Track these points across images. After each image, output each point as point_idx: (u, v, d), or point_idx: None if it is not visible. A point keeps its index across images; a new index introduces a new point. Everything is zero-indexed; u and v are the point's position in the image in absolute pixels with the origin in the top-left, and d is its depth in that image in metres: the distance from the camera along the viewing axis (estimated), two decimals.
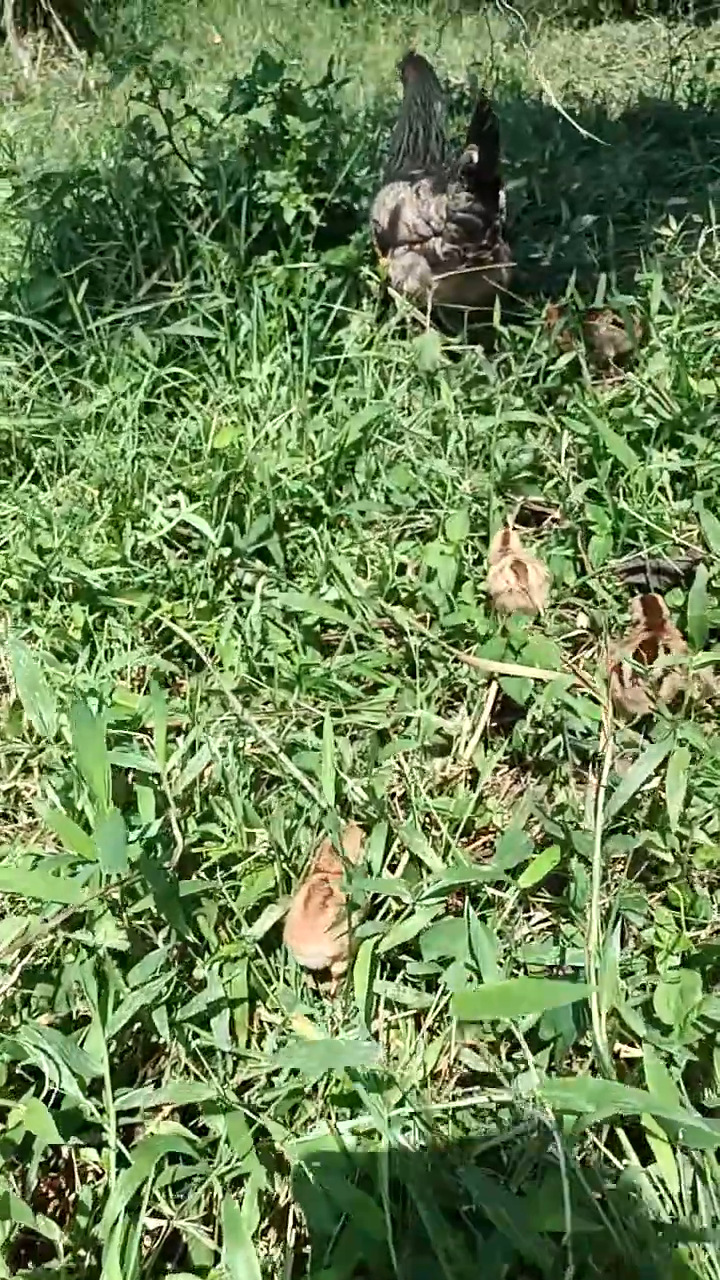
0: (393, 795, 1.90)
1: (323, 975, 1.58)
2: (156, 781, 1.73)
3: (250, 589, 2.52)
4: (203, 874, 1.70)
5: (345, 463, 2.81)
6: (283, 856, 1.68)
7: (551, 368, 3.04)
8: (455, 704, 2.16)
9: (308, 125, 3.27)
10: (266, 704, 2.13)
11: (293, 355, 3.21)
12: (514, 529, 2.36)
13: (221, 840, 1.70)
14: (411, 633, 2.19)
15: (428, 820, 1.80)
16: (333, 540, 2.63)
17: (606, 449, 2.41)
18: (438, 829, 1.79)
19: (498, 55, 9.74)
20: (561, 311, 3.30)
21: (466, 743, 1.94)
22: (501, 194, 3.19)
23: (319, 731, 1.99)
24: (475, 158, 2.96)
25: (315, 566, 2.50)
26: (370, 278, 3.38)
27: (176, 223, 3.42)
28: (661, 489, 2.36)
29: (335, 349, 3.28)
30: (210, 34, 15.03)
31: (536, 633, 2.09)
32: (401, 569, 2.46)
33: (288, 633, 2.39)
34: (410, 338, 3.32)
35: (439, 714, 2.12)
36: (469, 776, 1.94)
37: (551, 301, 3.47)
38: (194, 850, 1.70)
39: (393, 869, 1.75)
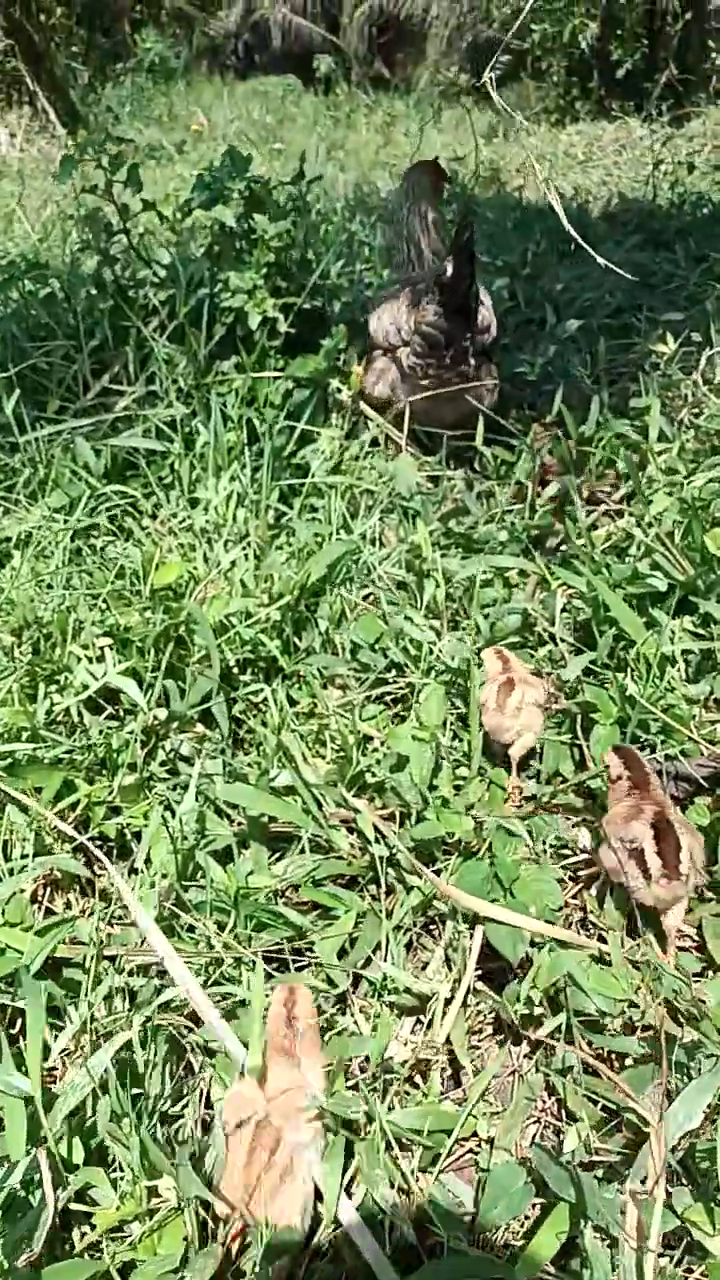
0: (350, 1087, 1.46)
1: None
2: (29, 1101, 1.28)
3: (188, 759, 2.11)
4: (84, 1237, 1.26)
5: (306, 605, 2.42)
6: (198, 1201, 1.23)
7: (539, 502, 2.69)
8: (431, 932, 1.74)
9: (276, 225, 2.95)
10: (192, 932, 1.70)
11: (253, 473, 2.84)
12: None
13: (114, 1187, 1.25)
14: (378, 839, 1.78)
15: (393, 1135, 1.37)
16: (289, 699, 2.23)
17: (607, 612, 2.03)
18: (406, 1149, 1.36)
19: (478, 149, 9.70)
20: (548, 430, 2.98)
21: (443, 1012, 1.51)
22: (484, 312, 2.87)
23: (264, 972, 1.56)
24: (449, 270, 2.70)
25: (266, 737, 2.09)
26: (340, 390, 3.03)
27: (130, 323, 3.06)
28: (671, 661, 1.98)
29: (300, 468, 2.92)
30: (195, 117, 15.07)
31: (529, 863, 1.69)
32: (366, 740, 2.06)
33: (230, 819, 1.98)
34: (385, 457, 2.97)
35: (410, 945, 1.70)
36: (446, 1054, 1.51)
37: (538, 419, 3.15)
38: (73, 1205, 1.25)
39: (351, 1192, 1.32)
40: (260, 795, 1.86)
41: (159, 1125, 1.38)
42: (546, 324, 4.07)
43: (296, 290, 3.09)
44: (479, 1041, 1.58)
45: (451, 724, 2.02)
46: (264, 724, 2.16)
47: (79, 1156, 1.28)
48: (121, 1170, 1.25)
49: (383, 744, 2.03)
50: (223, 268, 3.02)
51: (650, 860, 1.52)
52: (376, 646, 2.25)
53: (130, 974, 1.67)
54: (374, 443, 2.97)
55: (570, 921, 1.65)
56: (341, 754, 2.01)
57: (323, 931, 1.69)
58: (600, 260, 2.62)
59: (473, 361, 2.89)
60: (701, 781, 1.73)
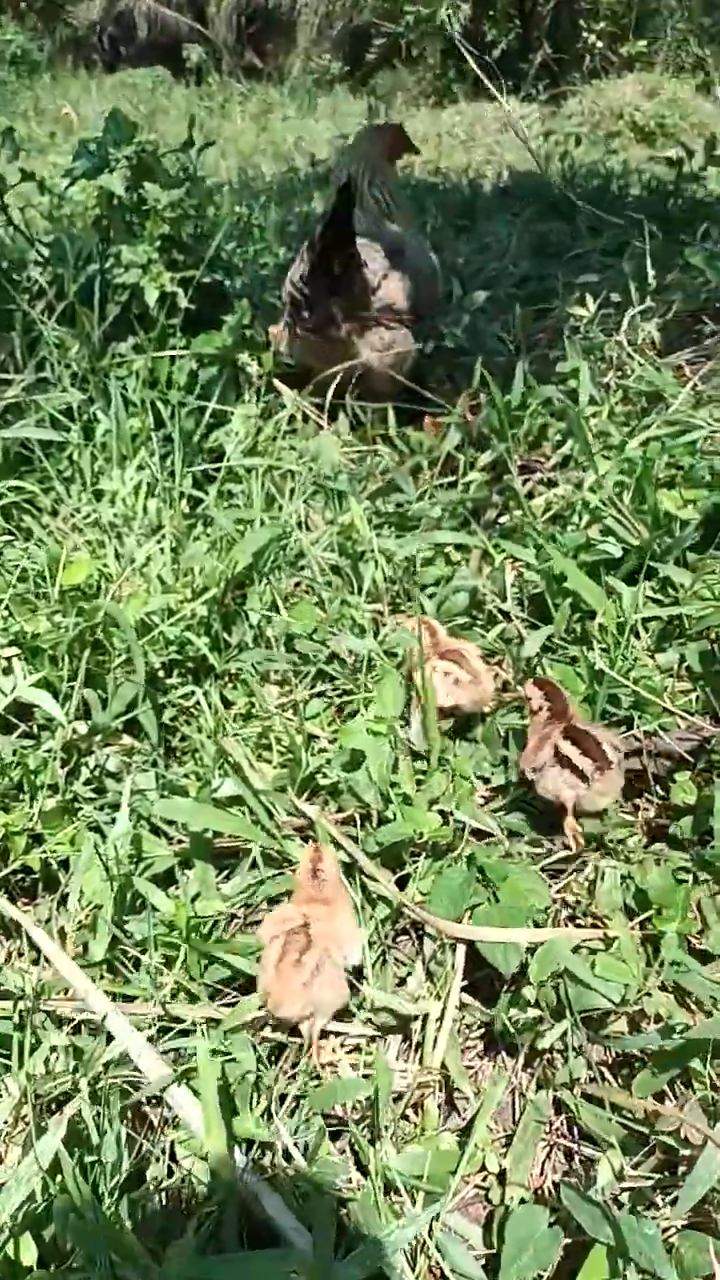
0: (330, 1137, 1.29)
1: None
2: None
3: (116, 775, 1.90)
4: None
5: (234, 597, 2.23)
6: None
7: (473, 473, 2.55)
8: (405, 940, 1.58)
9: (170, 193, 2.73)
10: (137, 969, 1.50)
11: (162, 460, 2.63)
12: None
13: None
14: (337, 847, 1.61)
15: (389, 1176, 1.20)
16: (223, 700, 2.04)
17: (563, 584, 1.90)
18: (399, 1194, 1.20)
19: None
20: (474, 400, 2.85)
21: (435, 1038, 1.35)
22: (370, 276, 2.77)
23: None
24: (319, 233, 2.63)
25: (203, 744, 1.90)
26: (249, 365, 2.84)
27: (15, 306, 2.80)
28: (634, 631, 1.86)
29: (213, 452, 2.72)
30: (63, 109, 14.55)
31: (508, 860, 1.54)
32: (312, 739, 1.89)
33: (169, 838, 1.78)
34: (304, 436, 2.79)
35: (381, 958, 1.54)
36: (440, 1077, 1.35)
37: (457, 390, 3.02)
38: None
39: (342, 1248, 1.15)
40: (202, 809, 1.67)
41: (120, 1201, 1.18)
42: (453, 296, 3.93)
43: (194, 264, 2.88)
44: (470, 1060, 1.43)
45: (406, 715, 1.85)
46: (199, 730, 1.97)
47: (30, 1257, 1.07)
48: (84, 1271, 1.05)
49: (332, 742, 1.86)
50: (113, 242, 2.79)
51: (580, 763, 1.54)
52: (315, 634, 2.08)
53: (72, 1025, 1.47)
54: (290, 420, 2.79)
55: (559, 919, 1.50)
56: (289, 756, 1.83)
57: None
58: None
59: (345, 326, 2.79)
60: (685, 755, 1.61)
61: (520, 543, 2.18)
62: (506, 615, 2.00)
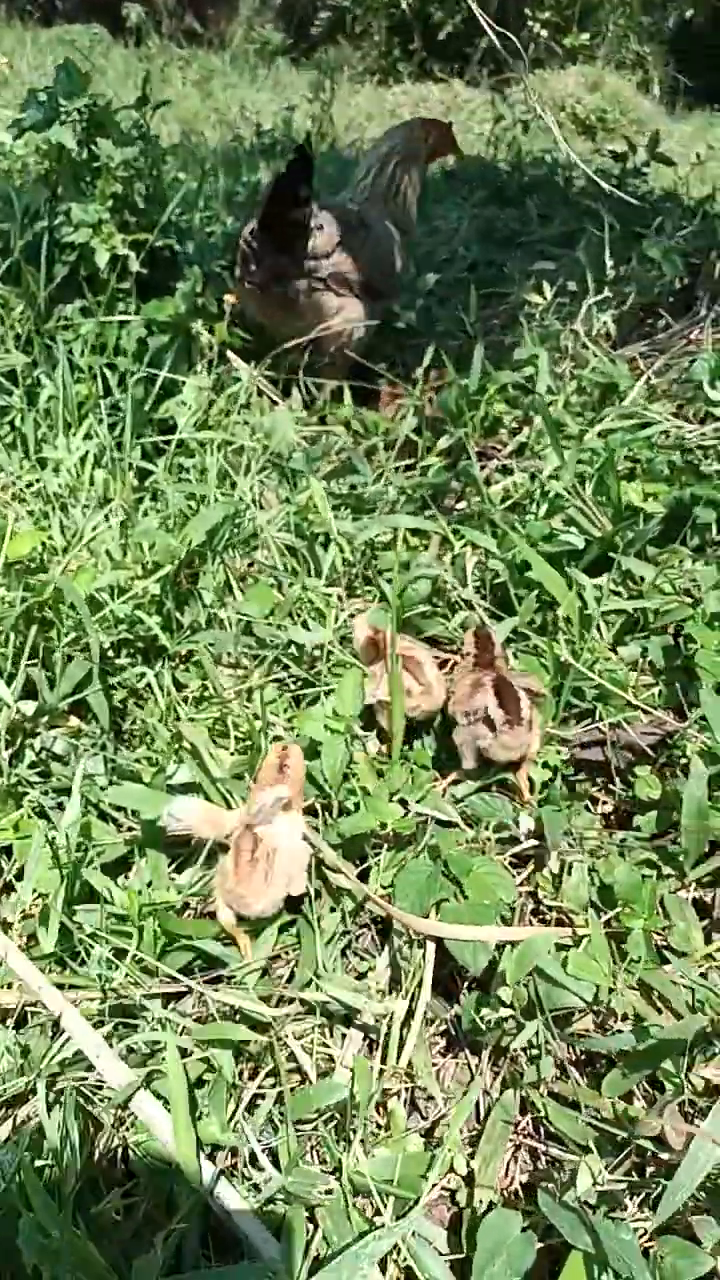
0: (303, 1157, 1.24)
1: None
2: None
3: (62, 759, 1.81)
4: None
5: (187, 576, 2.15)
6: None
7: (430, 457, 2.51)
8: (366, 933, 1.54)
9: (123, 151, 2.60)
10: (89, 958, 1.43)
11: (110, 430, 2.52)
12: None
13: None
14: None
15: (359, 1183, 1.16)
16: (175, 682, 1.96)
17: (526, 574, 1.87)
18: (369, 1197, 1.16)
19: (301, 105, 9.40)
20: (435, 383, 2.80)
21: (401, 1038, 1.32)
22: (320, 237, 2.76)
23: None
24: (269, 189, 2.66)
25: (155, 729, 1.82)
26: (200, 334, 2.73)
27: None
28: (596, 625, 1.84)
29: (164, 424, 2.62)
30: None
31: (473, 852, 1.51)
32: (269, 726, 1.82)
33: (119, 824, 1.71)
34: (259, 410, 2.70)
35: (345, 951, 1.49)
36: (406, 1081, 1.31)
37: (408, 374, 2.97)
38: None
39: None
40: (156, 796, 1.60)
41: (79, 1211, 1.12)
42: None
43: (146, 226, 2.76)
44: (432, 1056, 1.40)
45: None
46: (151, 713, 1.89)
47: None
48: None
49: (289, 730, 1.80)
50: (62, 199, 2.65)
51: (494, 714, 1.58)
52: (271, 616, 2.01)
53: (18, 1019, 1.40)
54: (244, 394, 2.70)
55: (524, 912, 1.48)
56: (246, 743, 1.77)
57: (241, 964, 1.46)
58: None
59: (292, 284, 2.77)
60: (647, 750, 1.60)
61: (480, 529, 2.14)
62: (468, 604, 1.96)
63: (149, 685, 1.93)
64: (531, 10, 11.79)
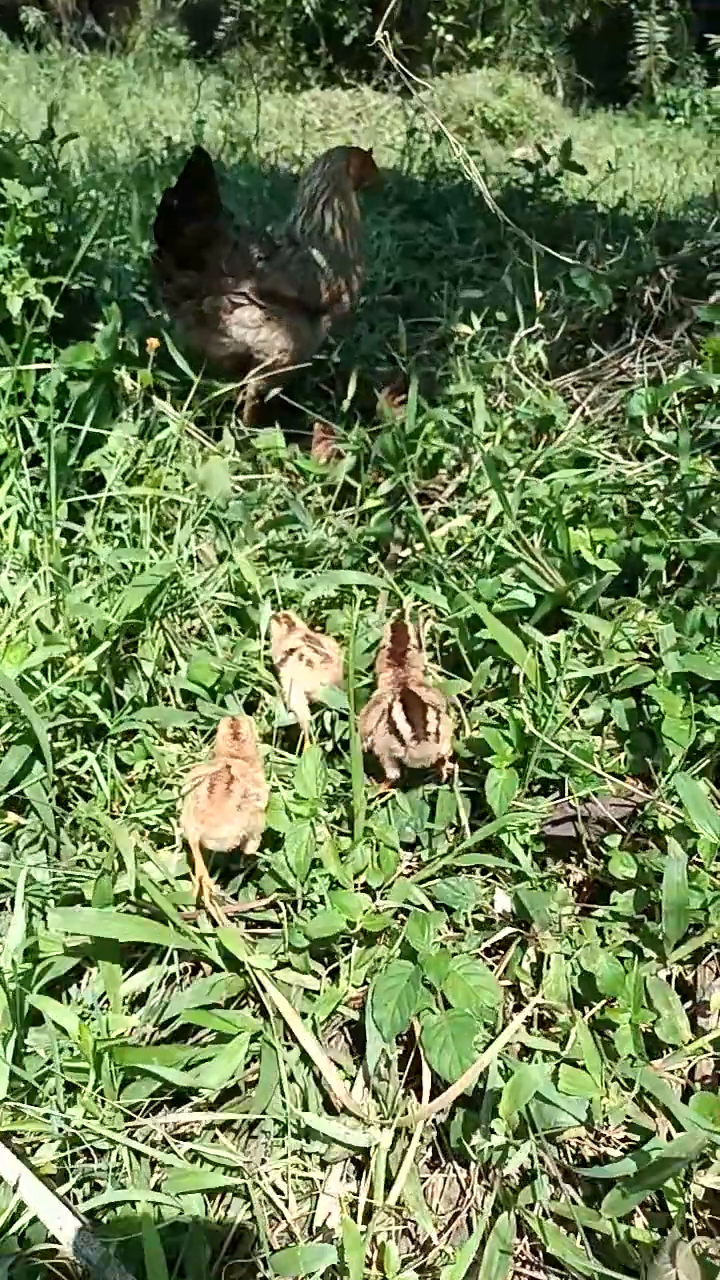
0: None
1: (234, 855, 1.60)
2: None
3: (2, 861, 1.68)
4: None
5: (124, 645, 2.02)
6: None
7: (370, 500, 2.42)
8: (337, 1035, 1.45)
9: (32, 191, 2.45)
10: (40, 1089, 1.31)
11: (32, 487, 2.37)
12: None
13: None
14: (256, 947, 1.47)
15: None
16: (119, 763, 1.84)
17: (476, 632, 1.80)
18: None
19: (208, 113, 9.20)
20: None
21: (395, 1169, 1.23)
22: (237, 253, 2.74)
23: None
24: (159, 206, 2.65)
25: (99, 821, 1.70)
26: (123, 381, 2.59)
27: None
28: (556, 685, 1.77)
29: (89, 476, 2.48)
30: None
31: (449, 943, 1.43)
32: None
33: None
34: (189, 455, 2.58)
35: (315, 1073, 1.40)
36: (396, 1215, 1.23)
37: (333, 405, 2.88)
38: None
39: None
40: (104, 918, 1.48)
41: None
42: None
43: (60, 267, 2.61)
44: (421, 1169, 1.32)
45: (332, 791, 1.71)
46: (95, 803, 1.77)
47: None
48: None
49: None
50: None
51: (401, 728, 1.63)
52: (216, 687, 1.90)
53: None
54: (176, 448, 2.57)
55: (508, 1014, 1.40)
56: None
57: (207, 1069, 1.36)
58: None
59: (215, 303, 2.73)
60: (617, 824, 1.54)
61: (427, 582, 2.07)
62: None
63: (90, 771, 1.80)
64: (435, 15, 11.75)
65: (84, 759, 1.82)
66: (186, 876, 1.60)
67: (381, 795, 1.71)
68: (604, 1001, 1.36)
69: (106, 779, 1.79)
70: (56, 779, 1.80)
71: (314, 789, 1.58)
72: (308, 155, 7.55)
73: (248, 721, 1.71)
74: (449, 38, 11.75)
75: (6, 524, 2.28)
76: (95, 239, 4.18)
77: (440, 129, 6.47)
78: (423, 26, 11.58)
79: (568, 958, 1.42)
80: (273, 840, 1.59)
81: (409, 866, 1.66)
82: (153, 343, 2.53)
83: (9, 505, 2.32)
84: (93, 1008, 1.52)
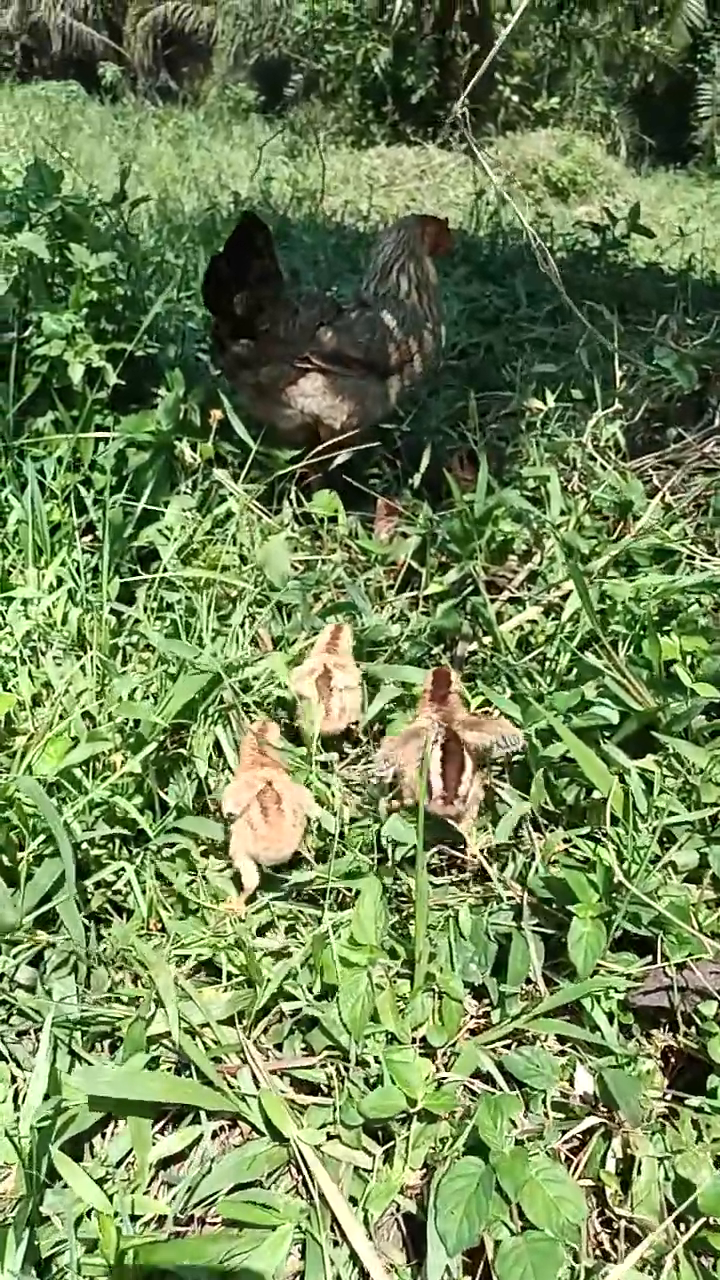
0: None
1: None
2: None
3: (28, 988, 1.52)
4: None
5: (170, 741, 1.87)
6: None
7: (433, 584, 2.26)
8: (390, 1224, 1.26)
9: (99, 257, 2.36)
10: None
11: (85, 559, 2.25)
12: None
13: None
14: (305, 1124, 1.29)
15: None
16: (159, 876, 1.68)
17: (545, 751, 1.62)
18: None
19: (276, 168, 9.27)
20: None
21: None
22: (297, 318, 2.61)
23: None
24: (206, 273, 2.53)
25: (134, 949, 1.53)
26: (183, 453, 2.47)
27: None
28: (637, 821, 1.58)
29: (144, 551, 2.36)
30: None
31: (528, 1141, 1.24)
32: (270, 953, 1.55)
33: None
34: (247, 529, 2.45)
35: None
36: None
37: (401, 478, 2.73)
38: None
39: None
40: (132, 1078, 1.32)
41: None
42: None
43: (125, 334, 2.52)
44: None
45: (393, 938, 1.53)
46: (132, 918, 1.61)
47: None
48: None
49: (305, 965, 1.52)
50: (34, 308, 2.40)
51: (434, 781, 1.58)
52: None
53: None
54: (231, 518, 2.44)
55: (593, 1232, 1.21)
56: (241, 977, 1.49)
57: (243, 1267, 1.18)
58: None
59: (272, 372, 2.60)
60: (715, 994, 1.34)
61: (497, 684, 1.90)
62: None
63: (129, 885, 1.65)
64: (501, 75, 11.81)
65: (121, 870, 1.67)
66: (232, 1021, 1.43)
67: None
68: (703, 1220, 1.16)
69: (144, 894, 1.63)
70: (91, 893, 1.65)
71: (373, 934, 1.41)
72: (373, 212, 7.53)
73: (274, 728, 1.79)
74: (514, 98, 11.82)
75: (56, 603, 2.16)
76: (159, 292, 4.16)
77: (504, 194, 6.41)
78: (489, 86, 11.65)
79: (661, 1160, 1.22)
80: (322, 984, 1.42)
81: (475, 1019, 1.48)
82: (216, 414, 2.41)
83: (60, 581, 2.21)
84: (119, 1165, 1.35)
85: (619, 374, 2.70)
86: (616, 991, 1.38)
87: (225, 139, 14.37)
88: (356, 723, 1.93)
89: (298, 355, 2.62)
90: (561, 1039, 1.40)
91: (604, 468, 2.53)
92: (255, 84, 18.44)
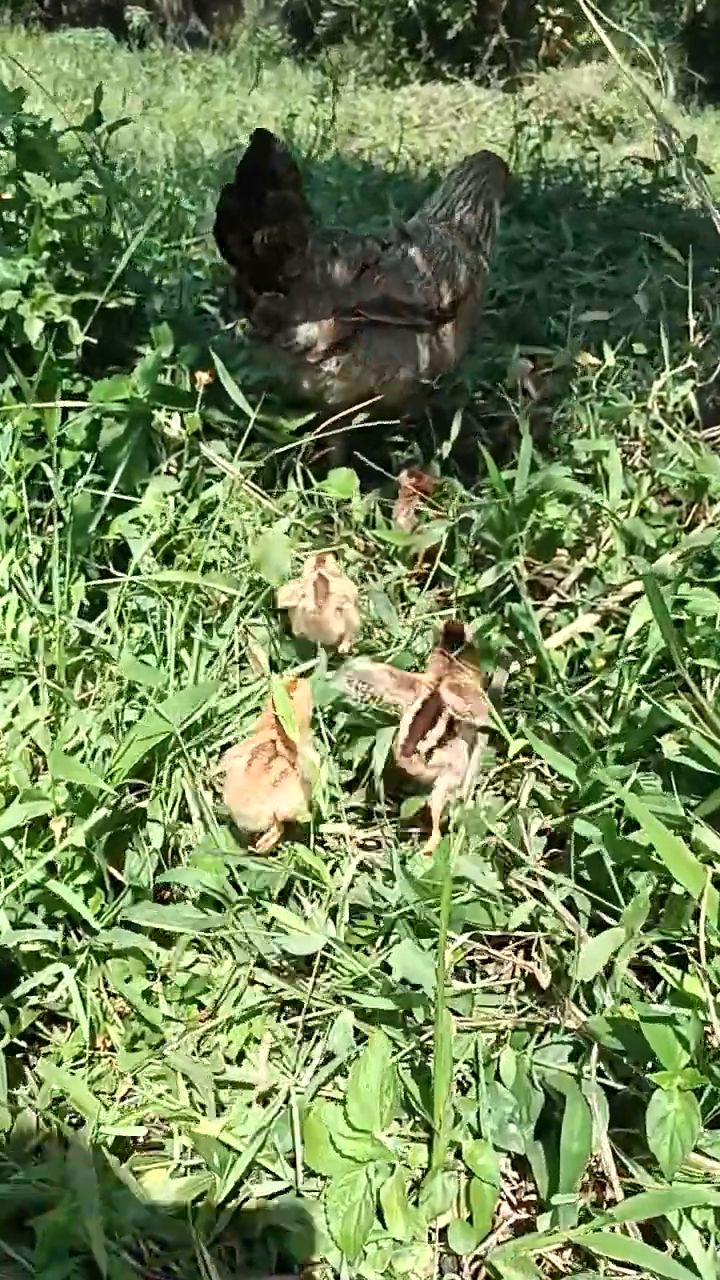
0: None
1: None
2: None
3: None
4: None
5: (133, 791, 1.47)
6: None
7: (466, 585, 1.83)
8: None
9: (62, 189, 1.91)
10: None
11: (44, 555, 1.84)
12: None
13: None
14: None
15: None
16: (104, 986, 1.29)
17: (621, 833, 1.19)
18: None
19: (304, 109, 8.66)
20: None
21: None
22: (335, 264, 2.14)
23: None
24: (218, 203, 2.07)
25: (68, 1093, 1.15)
26: (165, 426, 2.03)
27: None
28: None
29: (115, 547, 1.94)
30: None
31: None
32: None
33: None
34: (243, 514, 2.01)
35: None
36: None
37: (425, 450, 2.28)
38: None
39: None
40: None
41: None
42: None
43: (98, 282, 2.07)
44: None
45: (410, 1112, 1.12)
46: (68, 1051, 1.22)
47: None
48: None
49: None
50: None
51: (401, 729, 1.45)
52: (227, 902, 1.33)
53: None
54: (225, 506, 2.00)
55: None
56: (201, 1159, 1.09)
57: None
58: None
59: (309, 333, 2.13)
60: None
61: (546, 730, 1.46)
62: (536, 894, 1.27)
63: (65, 996, 1.26)
64: (542, 7, 10.96)
65: (59, 975, 1.27)
66: (182, 1217, 1.04)
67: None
68: None
69: (86, 1011, 1.24)
70: (18, 1007, 1.26)
71: (377, 1112, 1.00)
72: (404, 152, 6.92)
73: (305, 686, 1.48)
74: (557, 31, 10.96)
75: (4, 609, 1.75)
76: (165, 239, 3.69)
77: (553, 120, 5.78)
78: (529, 19, 10.81)
79: None
80: (306, 1165, 1.02)
81: (513, 1201, 1.07)
82: (202, 377, 1.97)
83: (12, 584, 1.80)
84: None
85: (695, 322, 2.19)
86: (711, 1202, 0.97)
87: (255, 84, 13.64)
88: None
89: (345, 307, 2.15)
90: (635, 1269, 0.99)
91: (673, 438, 2.04)
92: (286, 27, 17.57)
